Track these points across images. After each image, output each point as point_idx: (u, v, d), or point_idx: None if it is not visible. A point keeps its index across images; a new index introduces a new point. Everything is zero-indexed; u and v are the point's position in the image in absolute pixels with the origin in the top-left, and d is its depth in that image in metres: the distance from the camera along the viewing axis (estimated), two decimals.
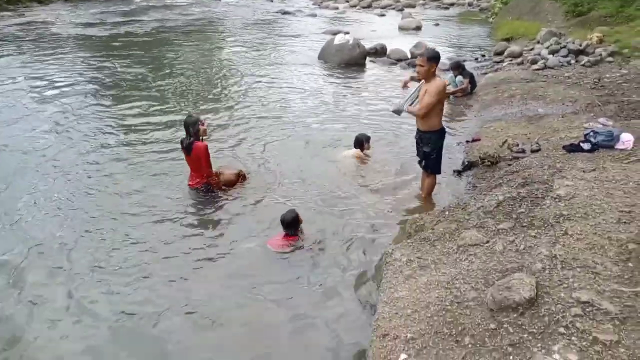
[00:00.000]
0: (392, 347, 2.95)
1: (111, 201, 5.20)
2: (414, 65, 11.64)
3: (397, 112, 4.85)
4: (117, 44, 14.28)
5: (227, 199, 5.27)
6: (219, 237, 4.64)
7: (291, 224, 4.41)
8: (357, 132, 6.43)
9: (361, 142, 6.20)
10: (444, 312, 3.08)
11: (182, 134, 6.97)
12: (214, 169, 5.38)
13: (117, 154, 6.51)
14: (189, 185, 5.36)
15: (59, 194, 5.31)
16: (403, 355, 2.86)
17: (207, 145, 5.22)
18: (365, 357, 3.07)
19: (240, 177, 5.54)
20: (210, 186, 5.30)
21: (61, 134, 7.15)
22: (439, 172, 5.18)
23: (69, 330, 3.44)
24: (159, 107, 8.52)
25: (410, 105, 4.80)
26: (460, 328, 2.91)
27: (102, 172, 5.92)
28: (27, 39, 14.52)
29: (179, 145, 5.37)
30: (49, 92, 9.19)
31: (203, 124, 5.26)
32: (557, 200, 4.07)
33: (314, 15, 22.01)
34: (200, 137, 5.23)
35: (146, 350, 3.30)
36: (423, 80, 4.76)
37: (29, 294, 3.79)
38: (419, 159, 5.21)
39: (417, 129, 5.05)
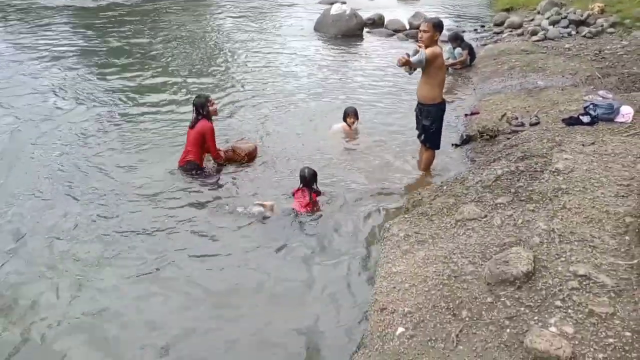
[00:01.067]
0: (390, 321, 2.98)
1: (110, 175, 5.14)
2: (412, 37, 11.47)
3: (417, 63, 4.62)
4: (110, 13, 13.89)
5: (222, 175, 5.22)
6: (212, 210, 4.61)
7: (311, 179, 4.53)
8: (350, 105, 6.35)
9: (345, 115, 6.13)
10: (441, 286, 3.10)
11: (180, 106, 7.01)
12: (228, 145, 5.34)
13: (119, 126, 6.39)
14: (178, 164, 5.18)
15: (59, 167, 5.25)
16: (400, 329, 2.89)
17: (213, 127, 5.13)
18: (363, 331, 3.10)
19: (246, 155, 5.41)
20: (198, 166, 5.15)
21: (58, 104, 7.01)
22: (438, 148, 5.12)
23: (78, 315, 3.39)
24: (156, 78, 8.37)
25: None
26: (457, 302, 2.93)
27: (103, 145, 5.82)
28: (16, 9, 14.07)
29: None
30: (42, 63, 8.94)
31: (212, 104, 5.15)
32: (555, 174, 4.05)
33: None
34: (211, 118, 5.16)
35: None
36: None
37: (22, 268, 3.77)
38: (418, 132, 5.16)
39: (418, 102, 4.97)
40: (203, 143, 5.11)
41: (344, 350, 3.00)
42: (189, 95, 7.45)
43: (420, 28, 4.62)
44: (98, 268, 3.78)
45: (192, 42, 11.02)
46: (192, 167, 5.13)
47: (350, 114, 6.10)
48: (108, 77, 8.41)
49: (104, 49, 10.25)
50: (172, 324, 3.26)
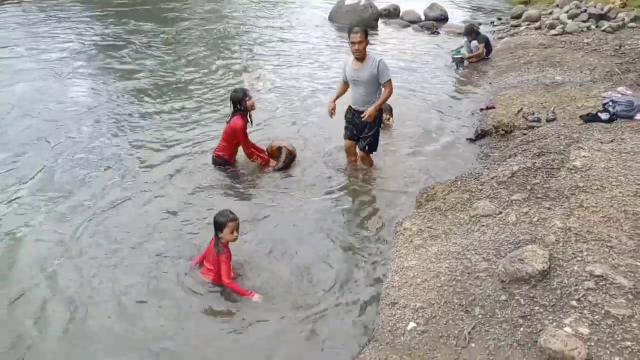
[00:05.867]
0: (401, 316, 2.97)
1: (132, 168, 5.18)
2: (428, 28, 11.36)
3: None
4: (123, 4, 13.90)
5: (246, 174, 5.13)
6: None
7: (219, 226, 3.37)
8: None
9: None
10: (454, 282, 3.08)
11: (197, 95, 7.02)
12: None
13: (142, 119, 6.37)
14: (214, 154, 5.13)
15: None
16: (412, 324, 2.87)
17: (244, 124, 4.93)
18: (374, 325, 3.09)
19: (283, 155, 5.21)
20: (227, 161, 5.09)
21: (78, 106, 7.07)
22: (376, 150, 5.00)
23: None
24: (170, 71, 8.36)
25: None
26: (470, 298, 2.91)
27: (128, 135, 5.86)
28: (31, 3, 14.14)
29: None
30: (56, 55, 8.96)
31: (250, 98, 5.00)
32: (573, 171, 3.99)
33: None
34: (249, 112, 5.00)
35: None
36: None
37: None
38: (347, 134, 4.96)
39: (350, 107, 4.82)
40: (234, 139, 4.99)
41: (355, 342, 3.00)
42: (198, 86, 7.51)
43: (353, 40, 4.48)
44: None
45: (206, 32, 10.94)
46: (220, 162, 5.11)
47: (386, 111, 6.03)
48: (119, 69, 8.45)
49: (119, 38, 10.26)
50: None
